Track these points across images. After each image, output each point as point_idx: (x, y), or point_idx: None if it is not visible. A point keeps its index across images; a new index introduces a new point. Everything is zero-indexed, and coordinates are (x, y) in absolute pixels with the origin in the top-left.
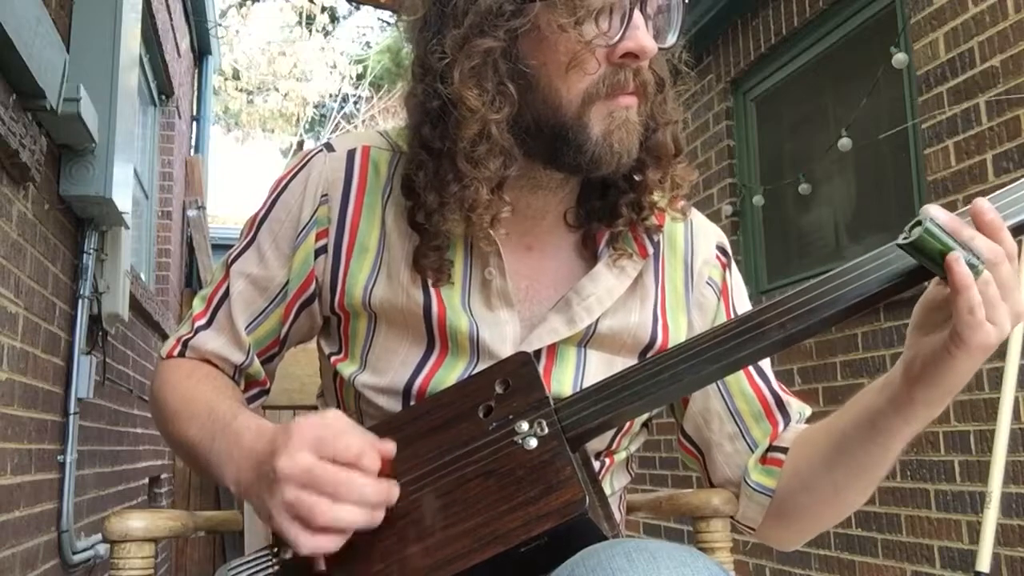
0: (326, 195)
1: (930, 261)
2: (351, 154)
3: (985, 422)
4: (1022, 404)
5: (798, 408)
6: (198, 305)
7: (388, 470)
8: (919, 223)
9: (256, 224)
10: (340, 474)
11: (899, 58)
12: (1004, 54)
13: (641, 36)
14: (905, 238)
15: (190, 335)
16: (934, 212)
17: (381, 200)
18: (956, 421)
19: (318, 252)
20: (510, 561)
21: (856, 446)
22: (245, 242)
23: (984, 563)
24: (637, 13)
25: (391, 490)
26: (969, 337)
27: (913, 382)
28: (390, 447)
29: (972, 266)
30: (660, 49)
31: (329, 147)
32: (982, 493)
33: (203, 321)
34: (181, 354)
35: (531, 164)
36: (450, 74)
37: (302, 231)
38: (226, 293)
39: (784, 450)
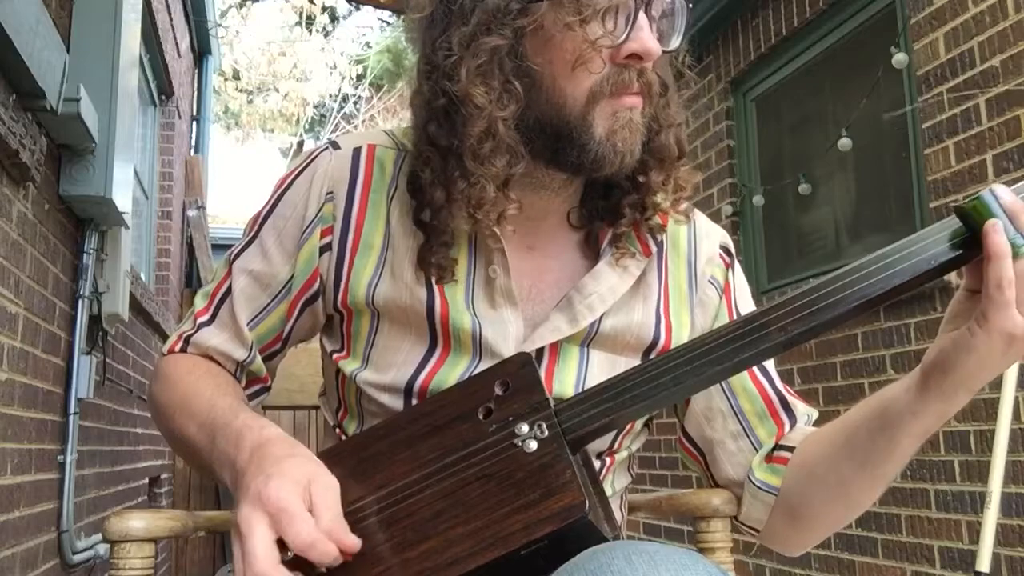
0: (331, 193)
1: (977, 228)
2: (356, 152)
3: (985, 422)
4: (1022, 404)
5: (805, 411)
6: (200, 302)
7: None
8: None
9: (260, 221)
10: (260, 562)
11: (899, 58)
12: (1004, 54)
13: (646, 37)
14: (964, 202)
15: (192, 331)
16: (999, 189)
17: (386, 198)
18: (956, 421)
19: (322, 249)
20: (510, 564)
21: (864, 436)
22: (248, 239)
23: (984, 563)
24: (642, 15)
25: None
26: (992, 316)
27: (929, 369)
28: (350, 543)
29: (1014, 244)
30: (664, 52)
31: (334, 145)
32: (982, 493)
33: (206, 317)
34: (183, 350)
35: (534, 164)
36: (457, 72)
37: (307, 228)
38: (228, 290)
39: (790, 448)
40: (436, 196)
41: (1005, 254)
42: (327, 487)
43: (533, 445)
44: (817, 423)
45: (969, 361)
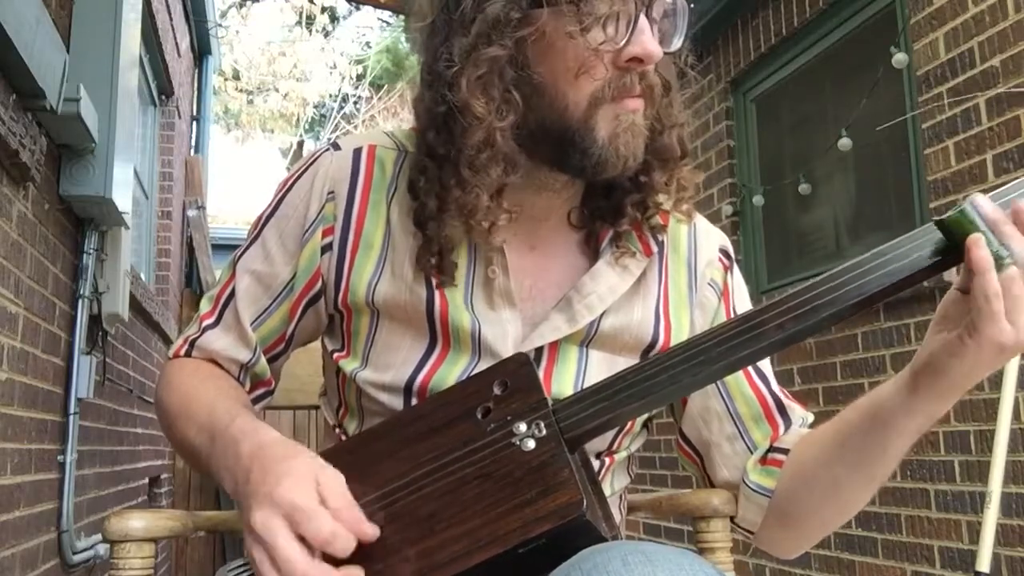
0: (332, 192)
1: (959, 241)
2: (357, 153)
3: (985, 422)
4: (1022, 404)
5: (801, 414)
6: (205, 305)
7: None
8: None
9: (262, 222)
10: (299, 564)
11: (899, 58)
12: (1004, 54)
13: (646, 41)
14: (947, 215)
15: (197, 335)
16: (979, 200)
17: (386, 198)
18: (956, 421)
19: (324, 249)
20: (509, 563)
21: (856, 437)
22: (251, 240)
23: (984, 563)
24: (643, 18)
25: None
26: (982, 327)
27: (919, 370)
28: (370, 531)
29: (998, 257)
30: (665, 53)
31: (336, 146)
32: (982, 493)
33: (211, 320)
34: (188, 353)
35: (536, 167)
36: (457, 82)
37: (308, 228)
38: (232, 292)
39: (784, 451)
40: (430, 204)
41: (988, 267)
42: (334, 479)
43: (531, 444)
44: (816, 424)
45: (960, 367)
